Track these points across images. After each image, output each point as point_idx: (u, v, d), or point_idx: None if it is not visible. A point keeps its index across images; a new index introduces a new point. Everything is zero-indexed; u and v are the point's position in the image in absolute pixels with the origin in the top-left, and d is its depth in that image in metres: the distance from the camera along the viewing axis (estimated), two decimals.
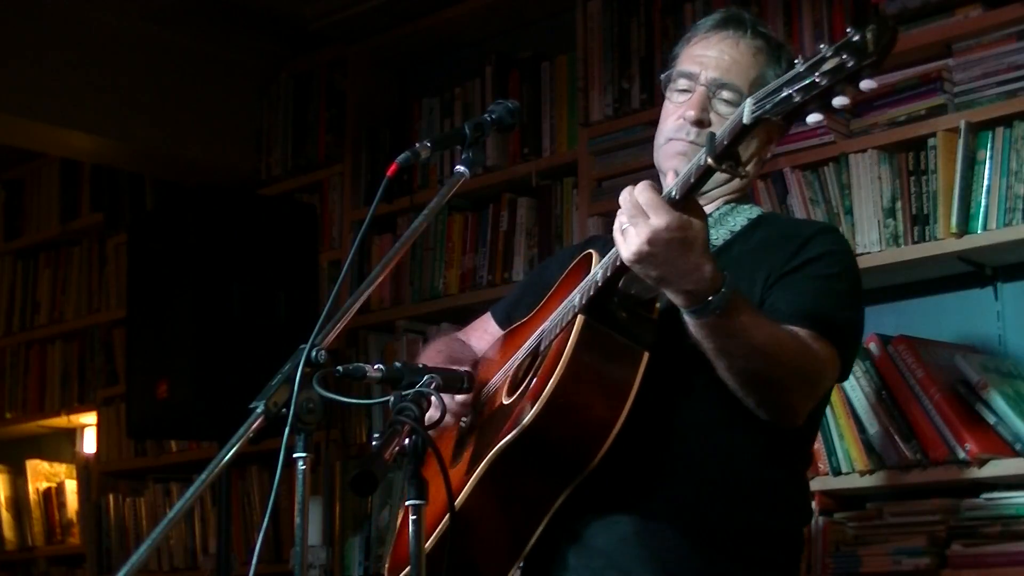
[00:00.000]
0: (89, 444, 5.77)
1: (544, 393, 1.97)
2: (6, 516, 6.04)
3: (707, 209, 2.18)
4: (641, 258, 1.89)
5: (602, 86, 4.14)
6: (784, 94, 1.72)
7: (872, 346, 3.32)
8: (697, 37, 2.29)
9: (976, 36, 3.41)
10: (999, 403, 3.17)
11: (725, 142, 1.81)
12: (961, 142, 3.33)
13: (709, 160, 1.82)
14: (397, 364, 2.00)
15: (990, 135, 3.32)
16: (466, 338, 2.57)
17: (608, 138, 4.11)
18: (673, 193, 1.89)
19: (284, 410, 1.84)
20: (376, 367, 1.99)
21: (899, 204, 3.42)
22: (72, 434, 5.98)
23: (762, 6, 3.81)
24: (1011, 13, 3.36)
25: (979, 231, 3.29)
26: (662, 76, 2.33)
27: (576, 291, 2.09)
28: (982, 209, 3.29)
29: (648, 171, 4.29)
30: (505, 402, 2.17)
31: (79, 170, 5.84)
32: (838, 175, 3.53)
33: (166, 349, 4.17)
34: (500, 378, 2.27)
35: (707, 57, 2.24)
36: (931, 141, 3.39)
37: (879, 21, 1.68)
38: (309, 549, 4.01)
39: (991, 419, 3.18)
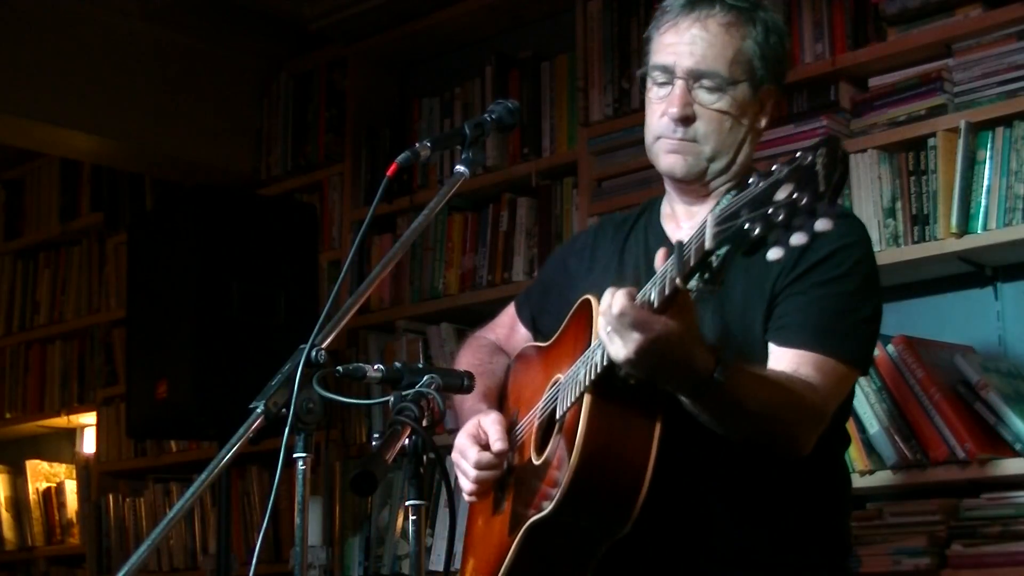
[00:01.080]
0: (89, 444, 5.77)
1: (564, 483, 1.97)
2: (6, 516, 6.04)
3: (709, 204, 2.14)
4: (629, 365, 1.87)
5: (602, 86, 4.14)
6: (742, 223, 1.63)
7: None
8: (667, 23, 2.20)
9: (976, 36, 3.41)
10: (999, 403, 3.17)
11: (691, 263, 1.73)
12: (961, 142, 3.33)
13: (677, 282, 1.77)
14: (397, 364, 2.00)
15: (990, 135, 3.32)
16: (495, 337, 2.56)
17: (608, 138, 4.11)
18: (652, 300, 1.84)
19: (284, 410, 1.84)
20: (376, 367, 1.98)
21: (899, 204, 3.42)
22: (72, 434, 5.99)
23: None
24: (1011, 13, 3.36)
25: (979, 231, 3.29)
26: (638, 73, 2.27)
27: (579, 363, 2.05)
28: (982, 209, 3.29)
29: (648, 170, 4.31)
30: (535, 462, 2.16)
31: (79, 170, 5.84)
32: None
33: (166, 349, 4.17)
34: (527, 422, 2.26)
35: (680, 46, 2.16)
36: (931, 141, 3.39)
37: (830, 147, 1.59)
38: (309, 549, 4.01)
39: (991, 419, 3.17)
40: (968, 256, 3.38)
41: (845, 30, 3.66)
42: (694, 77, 2.15)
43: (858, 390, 3.27)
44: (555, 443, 2.10)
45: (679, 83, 2.16)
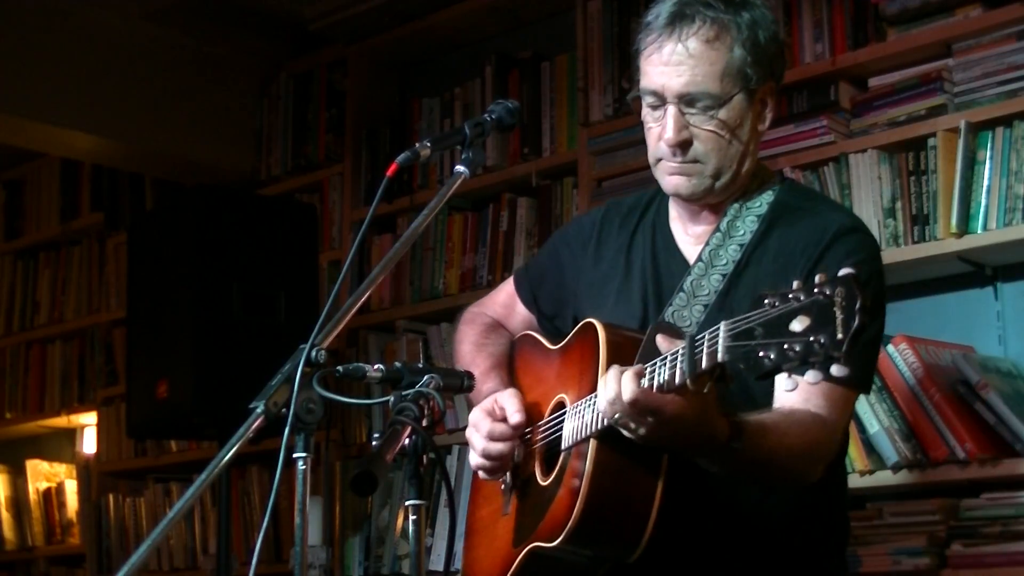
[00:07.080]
0: (89, 444, 5.77)
1: (570, 524, 1.98)
2: (6, 516, 6.04)
3: (717, 213, 2.19)
4: (644, 443, 1.89)
5: (602, 86, 4.14)
6: (756, 348, 1.62)
7: None
8: (650, 44, 2.15)
9: (976, 36, 3.42)
10: (999, 403, 3.16)
11: (702, 367, 1.74)
12: (961, 142, 3.33)
13: (688, 383, 1.78)
14: (397, 364, 2.01)
15: (990, 135, 3.32)
16: (493, 313, 2.53)
17: (608, 138, 4.11)
18: (663, 383, 1.83)
19: (284, 410, 1.85)
20: (376, 367, 1.99)
21: (899, 204, 3.42)
22: (72, 434, 5.98)
23: None
24: (1011, 13, 3.36)
25: (979, 231, 3.29)
26: (629, 97, 2.24)
27: (586, 405, 2.04)
28: (982, 209, 3.29)
29: (649, 170, 4.31)
30: (541, 482, 2.16)
31: (79, 170, 5.84)
32: (838, 175, 3.53)
33: (166, 349, 4.17)
34: (532, 432, 2.24)
35: (666, 69, 2.12)
36: (931, 141, 3.39)
37: (849, 289, 1.56)
38: (309, 549, 4.00)
39: (991, 419, 3.17)
40: (968, 256, 3.38)
41: (845, 30, 3.66)
42: (685, 101, 2.12)
43: None
44: (560, 474, 2.10)
45: (671, 108, 2.13)
